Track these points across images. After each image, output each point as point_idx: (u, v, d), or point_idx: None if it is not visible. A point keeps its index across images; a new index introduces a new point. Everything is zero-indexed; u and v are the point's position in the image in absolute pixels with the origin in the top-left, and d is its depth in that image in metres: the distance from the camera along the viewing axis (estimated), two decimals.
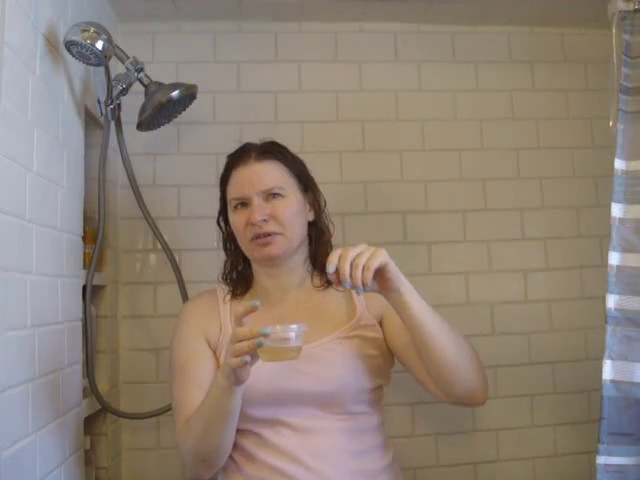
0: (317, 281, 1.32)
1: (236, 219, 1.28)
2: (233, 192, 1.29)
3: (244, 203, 1.27)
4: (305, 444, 1.16)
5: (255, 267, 1.33)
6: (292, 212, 1.27)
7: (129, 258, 1.85)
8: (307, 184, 1.34)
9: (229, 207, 1.31)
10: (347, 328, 1.25)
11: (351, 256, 1.04)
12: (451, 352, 1.14)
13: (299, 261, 1.31)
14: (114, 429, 1.72)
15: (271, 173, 1.28)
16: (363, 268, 1.03)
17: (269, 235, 1.24)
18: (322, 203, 1.36)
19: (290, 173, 1.31)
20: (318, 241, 1.34)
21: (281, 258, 1.27)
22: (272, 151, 1.31)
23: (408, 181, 1.95)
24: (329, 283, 1.30)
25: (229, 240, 1.37)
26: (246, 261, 1.35)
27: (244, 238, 1.27)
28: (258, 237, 1.24)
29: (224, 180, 1.34)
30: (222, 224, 1.38)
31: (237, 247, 1.35)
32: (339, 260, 1.04)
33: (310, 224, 1.33)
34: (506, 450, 1.89)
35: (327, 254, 1.31)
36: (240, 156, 1.31)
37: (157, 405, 1.67)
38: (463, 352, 1.16)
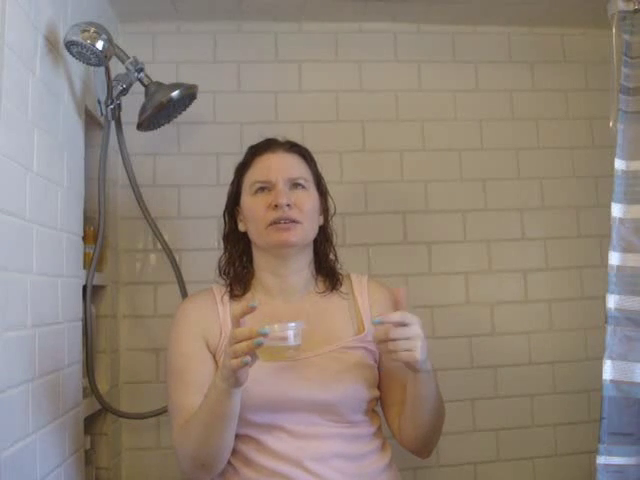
0: (321, 286, 1.31)
1: (255, 203, 1.26)
2: (257, 175, 1.28)
3: (265, 188, 1.26)
4: (304, 448, 1.16)
5: (260, 263, 1.30)
6: (312, 206, 1.27)
7: (129, 258, 1.85)
8: (322, 188, 1.34)
9: (246, 192, 1.29)
10: (354, 340, 1.24)
11: (401, 335, 1.05)
12: (432, 422, 1.20)
13: (305, 261, 1.30)
14: (114, 429, 1.71)
15: (298, 165, 1.30)
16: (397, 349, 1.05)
17: (291, 221, 1.22)
18: (331, 210, 1.36)
19: (312, 173, 1.32)
20: (324, 246, 1.34)
21: (294, 249, 1.25)
22: (299, 147, 1.33)
23: (408, 181, 1.95)
24: (332, 288, 1.31)
25: (232, 233, 1.34)
26: (246, 257, 1.33)
27: (261, 222, 1.24)
28: (278, 221, 1.22)
29: (244, 166, 1.32)
30: (227, 217, 1.35)
31: (239, 241, 1.33)
32: (391, 331, 1.05)
33: (319, 228, 1.32)
34: (506, 450, 1.89)
35: (331, 261, 1.33)
36: (267, 145, 1.31)
37: (157, 405, 1.67)
38: (439, 423, 1.24)
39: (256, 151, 1.32)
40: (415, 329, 1.05)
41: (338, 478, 1.15)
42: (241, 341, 1.00)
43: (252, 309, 1.02)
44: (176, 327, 1.28)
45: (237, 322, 1.03)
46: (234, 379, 1.04)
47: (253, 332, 0.99)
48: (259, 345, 0.99)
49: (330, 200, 1.36)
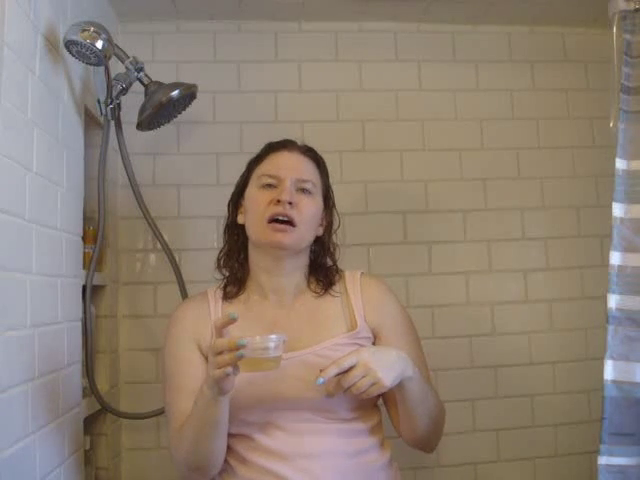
0: (314, 287, 1.31)
1: (259, 195, 1.26)
2: (267, 169, 1.28)
3: (272, 184, 1.25)
4: (297, 445, 1.16)
5: (254, 260, 1.30)
6: (313, 212, 1.27)
7: (129, 258, 1.85)
8: (329, 201, 1.34)
9: (253, 184, 1.29)
10: (346, 337, 1.24)
11: (356, 377, 1.08)
12: (429, 421, 1.22)
13: (299, 264, 1.30)
14: (114, 429, 1.71)
15: (311, 169, 1.30)
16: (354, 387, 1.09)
17: (288, 222, 1.22)
18: (335, 224, 1.35)
19: (322, 182, 1.32)
20: (320, 257, 1.33)
21: (286, 252, 1.25)
22: (316, 154, 1.33)
23: (408, 181, 1.95)
24: (326, 289, 1.30)
25: (232, 225, 1.34)
26: (243, 254, 1.32)
27: (261, 217, 1.24)
28: (276, 218, 1.22)
29: (257, 159, 1.32)
30: (230, 207, 1.35)
31: (237, 235, 1.32)
32: (345, 380, 1.08)
33: (316, 239, 1.31)
34: (506, 450, 1.89)
35: (326, 268, 1.32)
36: (285, 143, 1.31)
37: (157, 405, 1.67)
38: (438, 421, 1.26)
39: (273, 147, 1.32)
40: (362, 366, 1.08)
41: (332, 475, 1.15)
42: (222, 352, 1.01)
43: (233, 320, 1.03)
44: (169, 332, 1.29)
45: (219, 332, 1.04)
46: (218, 388, 1.05)
47: (232, 343, 1.00)
48: (240, 357, 0.99)
49: (336, 215, 1.35)
